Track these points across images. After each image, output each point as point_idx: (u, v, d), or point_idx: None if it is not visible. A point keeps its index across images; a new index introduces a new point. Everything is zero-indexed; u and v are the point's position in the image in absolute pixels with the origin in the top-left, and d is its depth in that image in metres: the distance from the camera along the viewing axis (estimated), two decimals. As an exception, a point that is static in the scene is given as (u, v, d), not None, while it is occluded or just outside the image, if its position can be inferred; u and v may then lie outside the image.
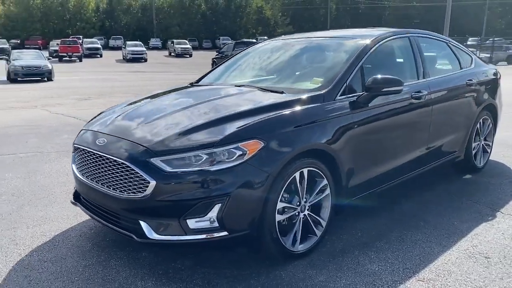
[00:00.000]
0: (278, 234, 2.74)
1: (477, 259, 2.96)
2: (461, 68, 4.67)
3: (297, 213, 2.88)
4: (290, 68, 3.93)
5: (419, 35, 4.32)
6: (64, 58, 34.88)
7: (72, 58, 35.17)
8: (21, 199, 4.10)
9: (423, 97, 3.81)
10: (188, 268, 2.81)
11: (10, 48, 38.62)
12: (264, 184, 2.59)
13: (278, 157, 2.65)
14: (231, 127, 2.68)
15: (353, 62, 3.40)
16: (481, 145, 4.88)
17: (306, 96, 3.11)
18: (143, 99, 3.67)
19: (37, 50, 22.73)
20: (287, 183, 2.73)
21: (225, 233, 2.55)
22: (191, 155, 2.53)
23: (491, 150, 5.10)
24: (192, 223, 2.53)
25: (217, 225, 2.53)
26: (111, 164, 2.72)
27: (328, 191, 3.03)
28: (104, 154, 2.77)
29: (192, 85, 4.15)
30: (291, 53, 4.12)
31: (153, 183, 2.49)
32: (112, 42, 58.19)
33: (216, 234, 2.55)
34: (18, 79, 18.57)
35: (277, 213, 2.72)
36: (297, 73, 3.83)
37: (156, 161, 2.53)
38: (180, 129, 2.74)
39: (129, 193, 2.60)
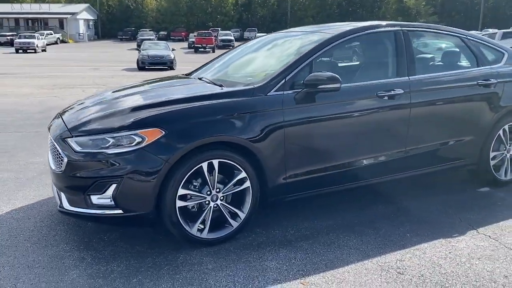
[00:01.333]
0: (179, 219, 2.94)
1: (387, 272, 2.78)
2: (478, 66, 4.17)
3: (206, 202, 3.04)
4: (255, 63, 4.00)
5: (415, 29, 3.99)
6: (199, 49, 37.95)
7: (206, 49, 38.07)
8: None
9: (396, 96, 3.57)
10: (109, 241, 3.18)
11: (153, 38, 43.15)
12: (160, 171, 2.82)
13: (177, 146, 2.84)
14: (140, 115, 2.95)
15: (300, 58, 3.37)
16: (508, 156, 4.29)
17: (234, 90, 3.22)
18: (122, 88, 4.11)
19: (165, 42, 25.22)
20: (191, 172, 2.91)
21: (120, 211, 2.86)
22: (98, 138, 2.88)
23: (525, 161, 4.44)
24: (95, 199, 2.89)
25: (113, 203, 2.85)
26: (52, 144, 3.22)
27: (248, 184, 3.11)
28: (50, 136, 3.29)
29: (178, 76, 4.47)
30: (264, 49, 4.18)
31: (65, 160, 2.91)
32: (246, 34, 61.15)
33: (112, 211, 2.87)
34: (146, 67, 20.92)
35: (179, 199, 2.92)
36: (256, 68, 3.89)
37: (71, 141, 2.94)
38: (103, 114, 3.10)
39: (57, 168, 3.06)
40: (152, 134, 2.84)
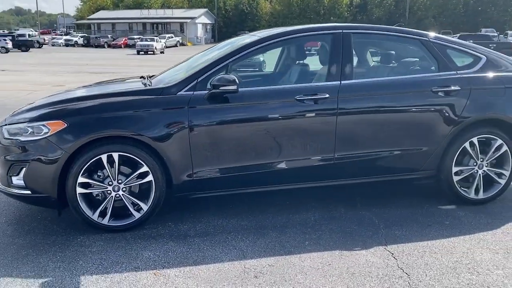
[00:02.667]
0: (80, 205, 3.28)
1: (245, 274, 2.80)
2: (439, 71, 3.83)
3: (108, 192, 3.33)
4: (193, 64, 4.09)
5: (361, 31, 3.82)
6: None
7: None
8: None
9: (320, 101, 3.49)
10: (29, 218, 3.64)
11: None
12: (59, 159, 3.19)
13: (75, 137, 3.19)
14: (52, 108, 3.36)
15: (216, 61, 3.50)
16: (480, 172, 3.87)
17: (144, 89, 3.48)
18: (83, 86, 4.57)
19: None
20: (90, 162, 3.24)
21: (29, 192, 3.30)
22: (19, 126, 3.34)
23: (507, 181, 3.94)
24: (14, 179, 3.36)
25: (24, 184, 3.30)
26: None
27: (150, 178, 3.34)
28: None
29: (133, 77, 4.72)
30: (211, 50, 4.30)
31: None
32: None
33: (24, 192, 3.32)
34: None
35: (80, 187, 3.26)
36: (188, 69, 4.02)
37: (3, 128, 3.46)
38: (33, 106, 3.57)
39: None
40: (56, 126, 3.22)
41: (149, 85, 3.70)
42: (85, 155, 3.22)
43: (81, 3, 76.45)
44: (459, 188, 3.88)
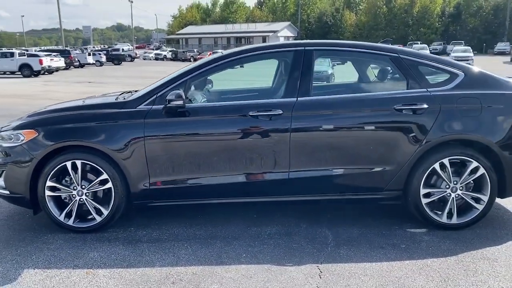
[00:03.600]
0: (48, 206, 3.69)
1: (165, 280, 2.98)
2: (408, 88, 3.71)
3: (73, 195, 3.70)
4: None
5: (325, 48, 3.84)
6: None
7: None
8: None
9: (273, 117, 3.58)
10: (11, 216, 4.12)
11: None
12: (30, 164, 3.62)
13: (43, 145, 3.61)
14: (29, 119, 3.81)
15: (176, 76, 3.74)
16: (453, 196, 3.68)
17: (109, 102, 3.82)
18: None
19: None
20: (56, 168, 3.63)
21: (7, 192, 3.77)
22: (6, 133, 3.82)
23: (485, 206, 3.69)
24: (0, 180, 3.86)
25: (4, 185, 3.78)
26: None
27: (110, 185, 3.66)
28: None
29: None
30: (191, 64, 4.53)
31: (-8, 150, 3.97)
32: (449, 48, 56.83)
33: (4, 192, 3.79)
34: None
35: (48, 190, 3.67)
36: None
37: None
38: (24, 115, 4.05)
39: None
40: (29, 134, 3.66)
41: (119, 99, 4.03)
42: (52, 161, 3.62)
43: (172, 19, 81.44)
44: (428, 212, 3.70)
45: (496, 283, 2.91)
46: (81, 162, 3.63)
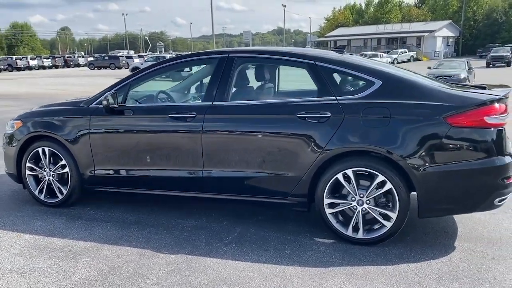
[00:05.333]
0: (28, 182, 4.64)
1: (65, 249, 3.63)
2: (318, 96, 3.72)
3: (44, 176, 4.61)
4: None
5: (246, 55, 4.05)
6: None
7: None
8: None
9: (188, 118, 3.95)
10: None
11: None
12: (15, 148, 4.63)
13: (23, 134, 4.58)
14: (24, 111, 4.83)
15: (121, 80, 4.36)
16: (358, 209, 3.58)
17: (75, 101, 4.62)
18: None
19: (463, 60, 23.49)
20: (32, 153, 4.56)
21: (6, 169, 4.85)
22: (9, 123, 4.90)
23: (394, 225, 3.50)
24: (3, 161, 4.97)
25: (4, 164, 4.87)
26: None
27: (67, 170, 4.47)
28: None
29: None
30: None
31: (6, 136, 5.13)
32: None
33: (5, 170, 4.89)
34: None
35: (28, 170, 4.63)
36: None
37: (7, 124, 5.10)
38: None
39: None
40: (17, 124, 4.69)
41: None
42: (29, 147, 4.58)
43: (325, 22, 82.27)
44: (333, 223, 3.66)
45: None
46: (48, 149, 4.51)
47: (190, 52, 4.44)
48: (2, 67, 47.31)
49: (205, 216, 4.29)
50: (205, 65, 4.33)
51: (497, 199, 3.41)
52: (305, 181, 3.68)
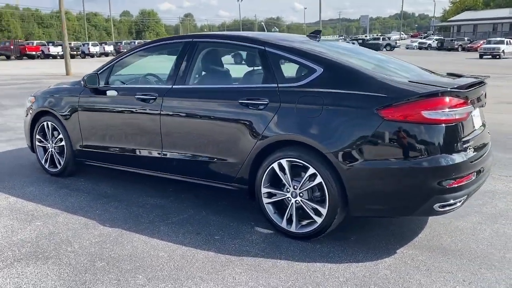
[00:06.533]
0: (37, 153, 5.25)
1: (29, 215, 4.09)
2: (263, 83, 3.63)
3: (48, 147, 5.15)
4: None
5: (208, 40, 4.08)
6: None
7: None
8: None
9: (151, 100, 4.13)
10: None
11: None
12: (29, 121, 5.24)
13: (34, 109, 5.16)
14: (39, 89, 5.42)
15: (107, 62, 4.67)
16: (293, 201, 3.48)
17: (74, 81, 5.04)
18: None
19: None
20: (39, 127, 5.14)
21: (26, 142, 5.51)
22: (28, 99, 5.55)
23: (324, 221, 3.33)
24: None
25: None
26: None
27: (63, 143, 4.95)
28: None
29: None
30: None
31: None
32: None
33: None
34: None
35: (37, 141, 5.23)
36: None
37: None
38: None
39: None
40: (32, 100, 5.28)
41: None
42: (38, 120, 5.15)
43: (450, 5, 76.11)
44: (270, 213, 3.58)
45: None
46: (50, 123, 5.03)
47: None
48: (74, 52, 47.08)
49: (173, 197, 4.45)
50: (176, 49, 4.44)
51: (437, 205, 3.05)
52: (246, 168, 3.64)
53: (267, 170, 3.51)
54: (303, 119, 3.31)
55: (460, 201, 3.12)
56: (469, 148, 3.18)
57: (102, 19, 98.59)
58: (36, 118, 5.19)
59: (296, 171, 3.42)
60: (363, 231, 3.64)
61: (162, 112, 4.02)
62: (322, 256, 3.23)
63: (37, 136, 5.21)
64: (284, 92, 3.44)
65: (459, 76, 3.73)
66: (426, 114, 2.97)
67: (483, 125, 3.68)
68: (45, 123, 5.09)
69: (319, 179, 3.27)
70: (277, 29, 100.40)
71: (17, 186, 4.82)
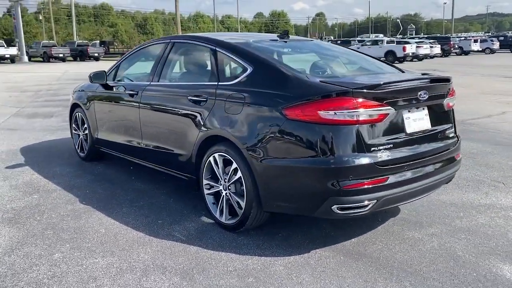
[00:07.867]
0: (73, 139, 6.17)
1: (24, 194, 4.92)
2: (208, 80, 3.93)
3: (79, 134, 6.02)
4: None
5: (181, 41, 4.48)
6: None
7: None
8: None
9: (134, 95, 4.67)
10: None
11: None
12: (69, 114, 6.18)
13: (70, 102, 6.08)
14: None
15: (117, 61, 5.33)
16: (223, 194, 3.72)
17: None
18: None
19: None
20: (74, 117, 6.04)
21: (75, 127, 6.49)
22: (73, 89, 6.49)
23: (243, 213, 3.51)
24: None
25: (70, 124, 6.51)
26: None
27: (87, 131, 5.76)
28: None
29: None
30: None
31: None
32: None
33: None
34: None
35: (73, 130, 6.13)
36: None
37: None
38: None
39: None
40: (72, 95, 6.20)
41: None
42: (73, 112, 6.05)
43: None
44: (209, 203, 3.85)
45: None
46: (79, 114, 5.89)
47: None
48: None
49: (160, 184, 4.90)
50: (160, 49, 4.89)
51: (336, 206, 3.04)
52: (190, 161, 3.96)
53: (206, 163, 3.78)
54: (228, 116, 3.53)
55: (365, 206, 3.05)
56: (382, 151, 3.09)
57: (235, 21, 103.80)
58: (72, 110, 6.09)
59: (227, 165, 3.64)
60: (301, 229, 3.69)
61: (140, 106, 4.53)
62: (232, 247, 3.40)
63: (73, 126, 6.10)
64: (220, 89, 3.68)
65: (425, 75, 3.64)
66: (322, 114, 2.99)
67: (437, 130, 3.50)
68: (77, 114, 5.96)
69: (239, 174, 3.46)
70: (414, 26, 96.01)
71: (49, 167, 5.71)
